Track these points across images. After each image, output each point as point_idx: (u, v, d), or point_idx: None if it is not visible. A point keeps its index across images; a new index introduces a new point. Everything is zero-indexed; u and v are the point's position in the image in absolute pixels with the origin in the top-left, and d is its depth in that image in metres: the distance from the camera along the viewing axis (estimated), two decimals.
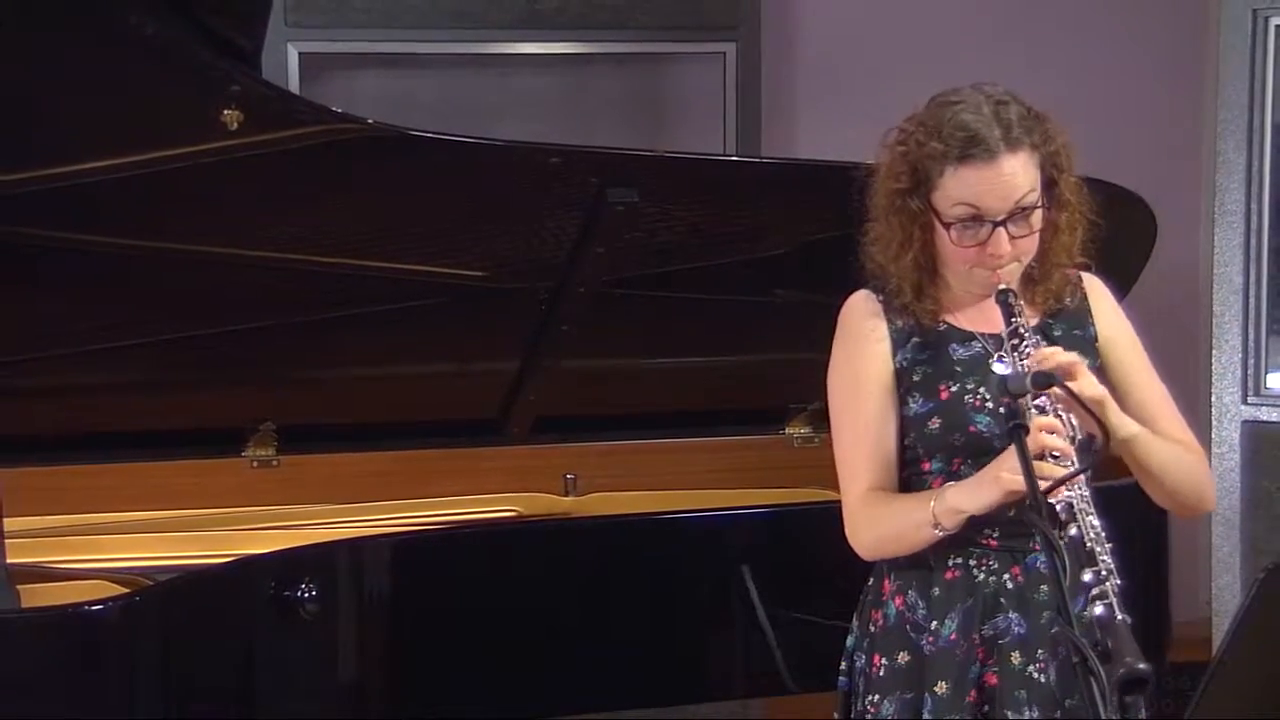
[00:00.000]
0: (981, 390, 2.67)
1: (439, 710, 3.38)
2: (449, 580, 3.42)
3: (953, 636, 2.68)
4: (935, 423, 2.68)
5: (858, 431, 2.73)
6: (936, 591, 2.71)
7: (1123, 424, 2.62)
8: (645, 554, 3.54)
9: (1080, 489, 2.47)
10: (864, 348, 2.73)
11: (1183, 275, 5.01)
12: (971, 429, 2.67)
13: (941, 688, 2.68)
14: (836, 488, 3.83)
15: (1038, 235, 2.66)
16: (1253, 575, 2.68)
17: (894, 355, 2.72)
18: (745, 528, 3.61)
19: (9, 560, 3.14)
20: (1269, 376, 4.81)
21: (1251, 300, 4.77)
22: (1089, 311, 2.78)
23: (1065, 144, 2.69)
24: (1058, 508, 2.46)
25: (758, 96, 5.06)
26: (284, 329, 3.55)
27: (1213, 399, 4.80)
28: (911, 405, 2.70)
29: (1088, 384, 2.56)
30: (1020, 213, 2.62)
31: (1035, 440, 2.48)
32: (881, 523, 2.71)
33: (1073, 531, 2.45)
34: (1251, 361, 4.80)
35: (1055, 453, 2.47)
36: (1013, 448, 2.49)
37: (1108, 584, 2.39)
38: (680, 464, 4.00)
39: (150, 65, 3.03)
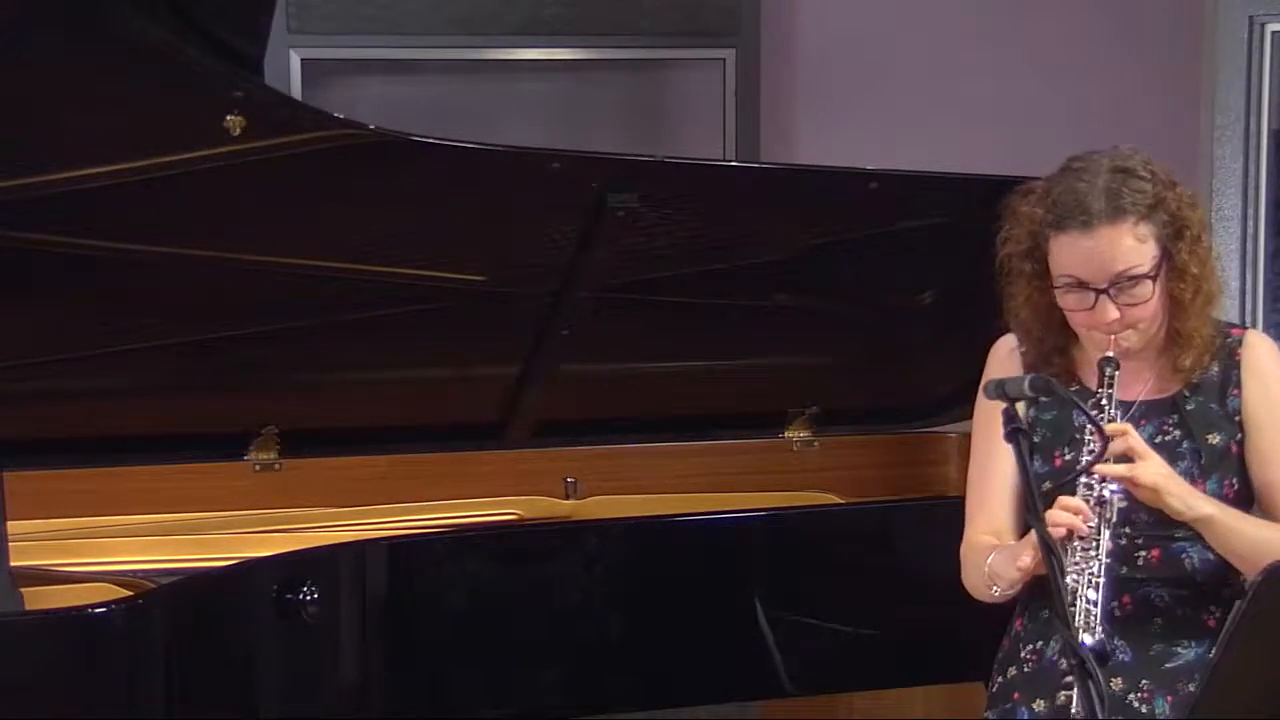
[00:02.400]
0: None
1: (440, 712, 3.39)
2: (450, 583, 3.42)
3: (1054, 657, 2.68)
4: (1047, 486, 2.66)
5: (982, 475, 2.77)
6: (1045, 613, 2.73)
7: (1188, 509, 2.59)
8: (646, 557, 3.55)
9: (1090, 574, 2.51)
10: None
11: None
12: None
13: (1040, 705, 2.69)
14: (835, 490, 3.87)
15: (1154, 304, 2.63)
16: (1251, 578, 2.68)
17: (1027, 408, 2.71)
18: (744, 531, 3.62)
19: (12, 563, 3.15)
20: None
21: (1248, 305, 4.79)
22: (1237, 381, 2.73)
23: (1188, 211, 2.66)
24: (1069, 578, 2.50)
25: (757, 102, 5.07)
26: (287, 333, 3.55)
27: None
28: (1034, 464, 2.69)
29: (1145, 470, 2.56)
30: (1126, 283, 2.60)
31: (1054, 519, 2.51)
32: (969, 571, 2.77)
33: (1064, 589, 2.43)
34: None
35: (1079, 535, 2.52)
36: (1032, 533, 2.52)
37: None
38: (680, 467, 4.01)
39: (153, 71, 3.03)
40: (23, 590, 3.13)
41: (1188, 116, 5.17)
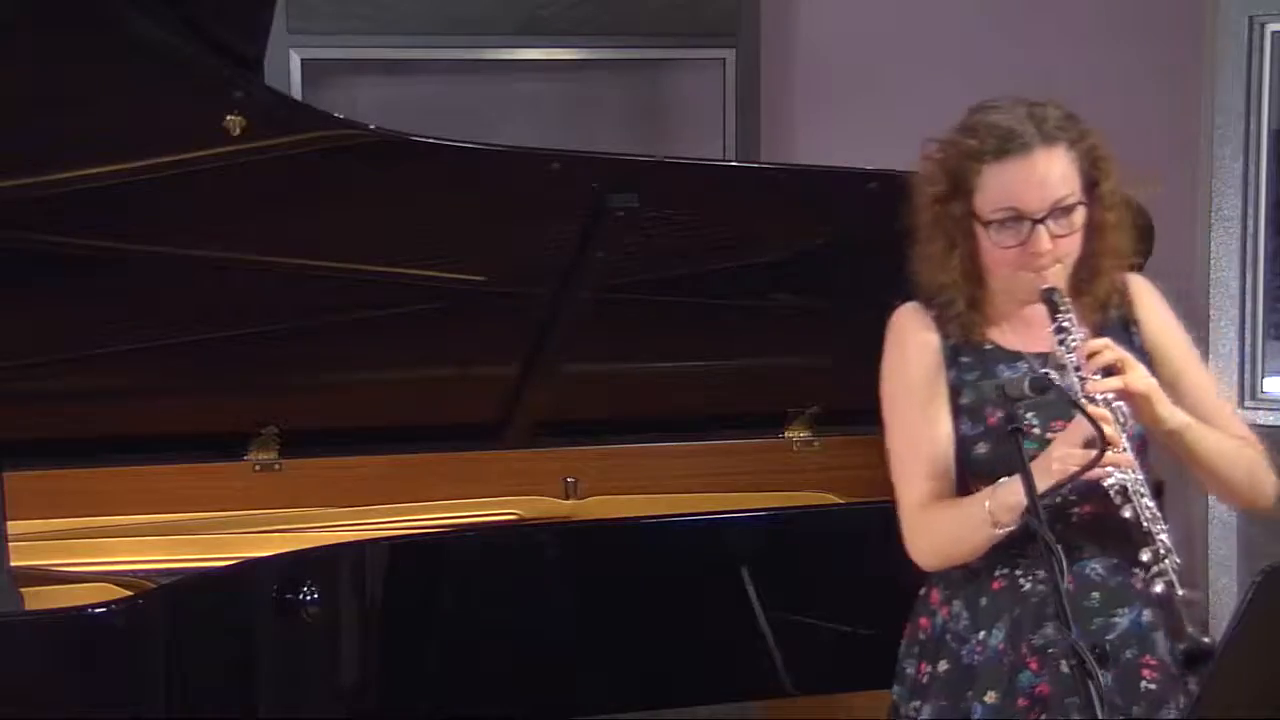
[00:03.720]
0: (1030, 416, 2.65)
1: (440, 712, 3.39)
2: (450, 583, 3.43)
3: (1000, 646, 2.68)
4: (982, 448, 2.68)
5: (912, 440, 2.72)
6: (984, 601, 2.71)
7: (1171, 415, 2.62)
8: (645, 557, 3.55)
9: (1135, 472, 2.51)
10: (917, 356, 2.73)
11: (1179, 280, 5.01)
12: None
13: (991, 697, 2.67)
14: (835, 490, 3.86)
15: (1080, 236, 2.66)
16: (1249, 578, 2.69)
17: (947, 370, 2.71)
18: (745, 531, 3.62)
19: (12, 563, 3.15)
20: (1265, 381, 4.83)
21: (1248, 305, 4.79)
22: (1134, 317, 2.77)
23: (1104, 146, 2.70)
24: (1111, 491, 2.51)
25: (757, 102, 5.07)
26: (287, 333, 3.55)
27: None
28: (961, 427, 2.70)
29: (1136, 377, 2.59)
30: (1060, 210, 2.62)
31: (1083, 429, 2.50)
32: (939, 530, 2.70)
33: (1127, 513, 2.49)
34: (1248, 366, 4.81)
35: (1109, 440, 2.49)
36: (1062, 434, 2.54)
37: (1166, 562, 2.44)
38: (680, 467, 4.01)
39: (153, 71, 3.04)
40: (23, 590, 3.14)
41: (1188, 116, 5.18)
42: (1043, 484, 2.54)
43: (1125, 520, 2.56)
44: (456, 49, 4.92)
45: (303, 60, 4.78)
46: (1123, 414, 2.55)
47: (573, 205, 3.49)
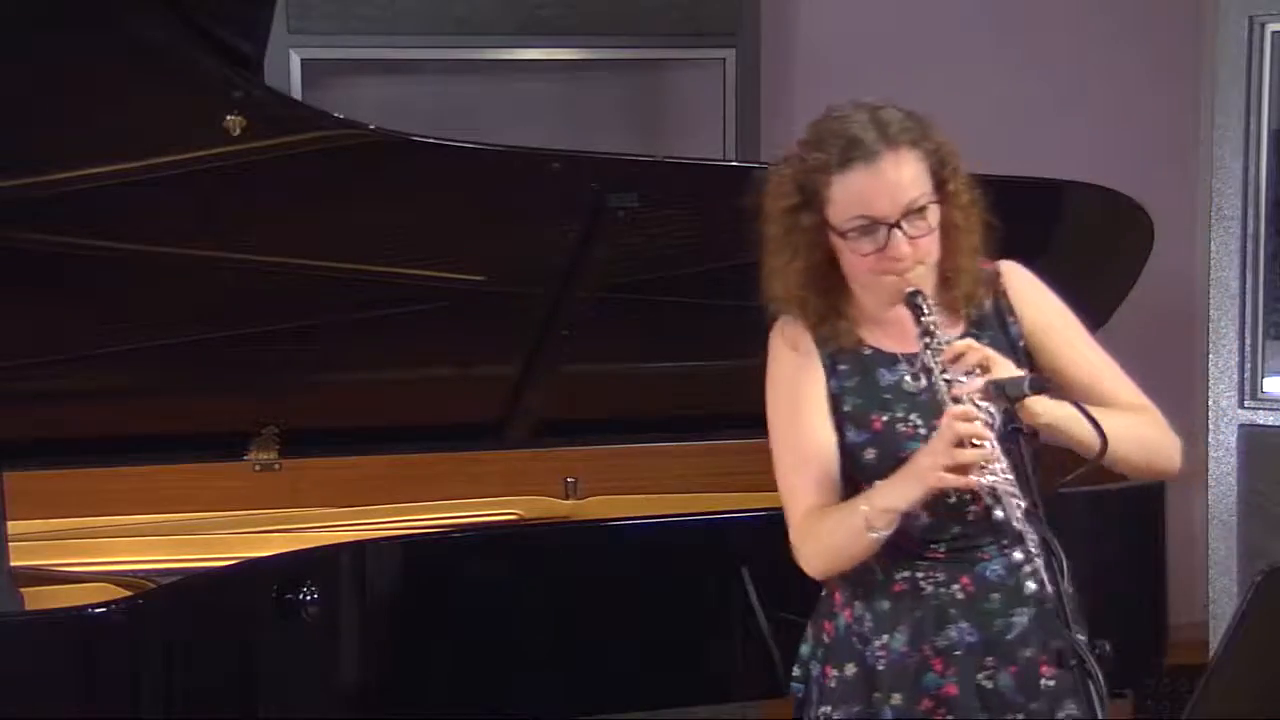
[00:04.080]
0: (913, 417, 2.67)
1: (440, 712, 3.39)
2: (450, 583, 3.43)
3: (903, 649, 2.69)
4: (870, 454, 2.68)
5: (799, 452, 2.71)
6: (885, 605, 2.71)
7: (1045, 410, 2.59)
8: (645, 557, 3.55)
9: (1004, 473, 2.49)
10: (799, 367, 2.73)
11: (1179, 280, 5.02)
12: (904, 456, 2.64)
13: (896, 699, 2.69)
14: None
15: (937, 235, 2.65)
16: (1249, 578, 2.69)
17: (828, 380, 2.72)
18: (744, 531, 3.62)
19: (12, 563, 3.15)
20: (1266, 381, 4.83)
21: (1248, 305, 4.78)
22: (1009, 307, 2.77)
23: (948, 143, 2.69)
24: (983, 493, 2.50)
25: (757, 102, 5.07)
26: (286, 333, 3.56)
27: (1210, 403, 4.81)
28: (847, 435, 2.70)
29: (1002, 372, 2.57)
30: (913, 212, 2.61)
31: (952, 429, 2.50)
32: (821, 537, 2.69)
33: (998, 514, 2.49)
34: (1248, 366, 4.81)
35: (975, 440, 2.49)
36: (931, 440, 2.54)
37: (1038, 560, 2.44)
38: (680, 467, 4.02)
39: (153, 71, 3.04)
40: (23, 590, 3.14)
41: (1188, 116, 5.18)
42: (916, 491, 2.56)
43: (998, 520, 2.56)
44: (456, 49, 4.92)
45: (303, 60, 4.77)
46: (989, 413, 2.54)
47: (573, 205, 3.49)
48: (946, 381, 2.55)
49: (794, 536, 2.73)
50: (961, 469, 2.50)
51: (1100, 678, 2.39)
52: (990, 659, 2.68)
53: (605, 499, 3.91)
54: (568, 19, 4.90)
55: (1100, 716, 2.35)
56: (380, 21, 4.80)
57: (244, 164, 3.16)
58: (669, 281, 3.70)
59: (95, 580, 3.25)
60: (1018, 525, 2.46)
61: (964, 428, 2.50)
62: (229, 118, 3.10)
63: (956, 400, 2.53)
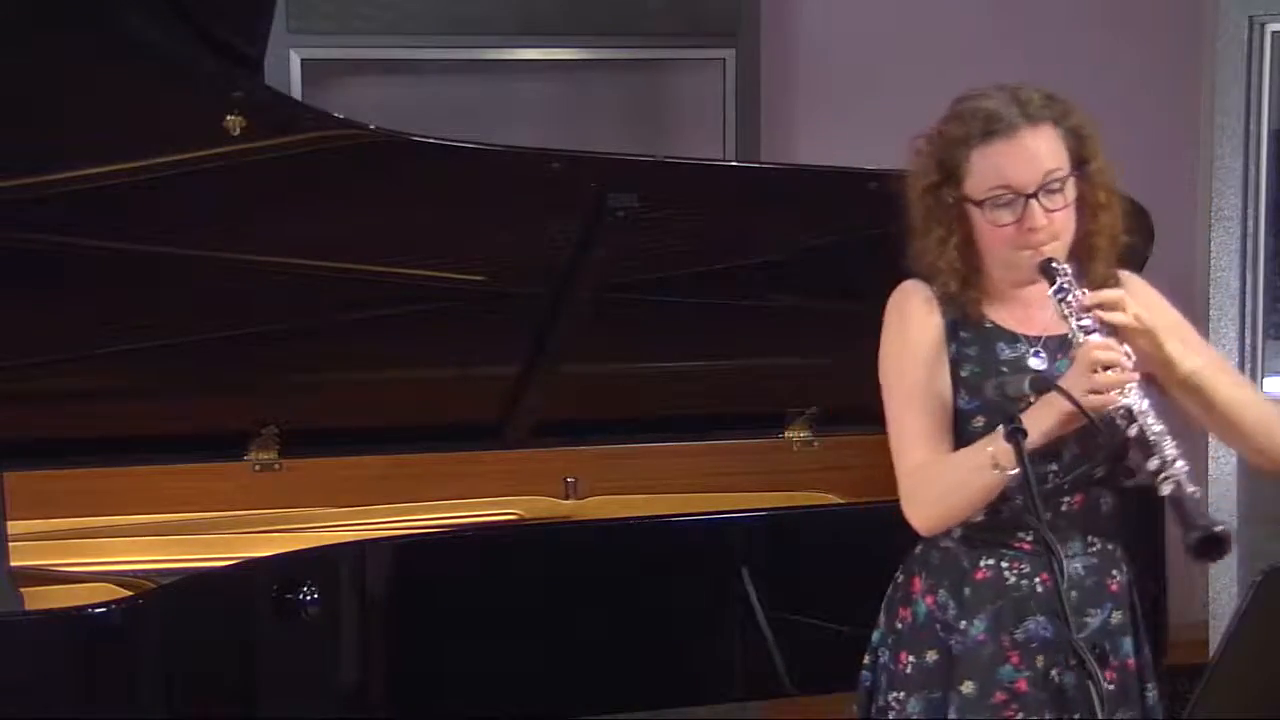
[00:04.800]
0: (1024, 388, 2.66)
1: (440, 712, 3.39)
2: (450, 583, 3.43)
3: (981, 637, 2.70)
4: (979, 421, 2.70)
5: (912, 404, 2.73)
6: (967, 592, 2.72)
7: (1183, 357, 2.65)
8: (645, 557, 3.55)
9: (1137, 394, 2.52)
10: (918, 324, 2.75)
11: (1179, 280, 5.02)
12: None
13: (968, 687, 2.70)
14: (835, 491, 3.85)
15: (1073, 210, 2.68)
16: (1249, 578, 2.69)
17: (948, 344, 2.73)
18: (744, 531, 3.62)
19: (12, 563, 3.15)
20: (1265, 380, 4.83)
21: (1248, 305, 4.79)
22: None
23: (1089, 124, 2.72)
24: (1117, 417, 2.52)
25: (757, 102, 5.07)
26: (286, 333, 3.56)
27: None
28: (959, 400, 2.72)
29: (1140, 314, 2.61)
30: (1051, 184, 2.64)
31: (1090, 356, 2.52)
32: (939, 478, 2.70)
33: (1133, 431, 2.50)
34: (1248, 366, 4.81)
35: (1109, 367, 2.52)
36: (1071, 367, 2.56)
37: (1175, 465, 2.46)
38: (680, 468, 4.02)
39: (153, 71, 3.04)
40: (23, 590, 3.14)
41: (1188, 116, 5.18)
42: (1051, 419, 2.57)
43: (1106, 514, 2.61)
44: (456, 49, 4.92)
45: (303, 60, 4.77)
46: (1129, 355, 2.56)
47: (573, 205, 3.49)
48: (1081, 327, 2.57)
49: (904, 489, 2.73)
50: (1099, 392, 2.51)
51: (1100, 678, 2.39)
52: (1062, 655, 2.68)
53: (605, 499, 3.90)
54: (568, 19, 4.90)
55: (1101, 717, 2.35)
56: (380, 21, 4.80)
57: (244, 164, 3.16)
58: (669, 281, 3.70)
59: (95, 580, 3.24)
60: (1153, 438, 2.47)
61: (1102, 353, 2.52)
62: (229, 118, 3.10)
63: (1089, 331, 2.56)
